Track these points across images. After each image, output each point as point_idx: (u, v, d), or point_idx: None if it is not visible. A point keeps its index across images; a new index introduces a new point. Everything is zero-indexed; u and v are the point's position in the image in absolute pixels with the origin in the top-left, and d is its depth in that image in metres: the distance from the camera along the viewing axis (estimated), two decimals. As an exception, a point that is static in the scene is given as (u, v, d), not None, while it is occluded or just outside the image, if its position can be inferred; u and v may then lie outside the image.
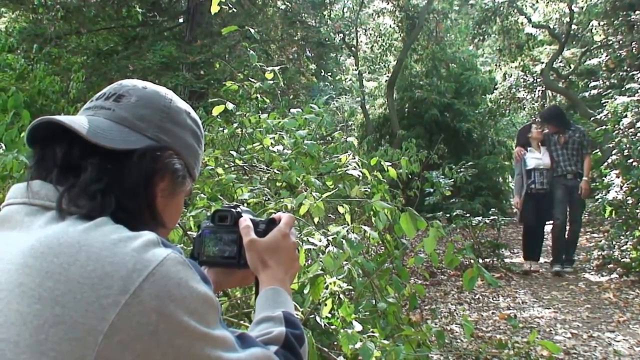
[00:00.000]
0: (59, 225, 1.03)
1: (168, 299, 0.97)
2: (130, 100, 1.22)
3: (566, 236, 9.40)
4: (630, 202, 8.40)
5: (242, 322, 3.05)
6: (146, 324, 0.95)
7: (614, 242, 8.64)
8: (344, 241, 3.10)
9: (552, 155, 9.17)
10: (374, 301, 3.60)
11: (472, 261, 3.34)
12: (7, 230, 1.08)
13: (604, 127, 9.29)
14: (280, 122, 4.81)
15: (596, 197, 9.30)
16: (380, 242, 4.19)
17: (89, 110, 1.22)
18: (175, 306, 0.97)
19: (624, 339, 5.82)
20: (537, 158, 9.20)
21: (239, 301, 3.34)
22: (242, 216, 1.47)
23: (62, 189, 1.07)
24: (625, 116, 8.88)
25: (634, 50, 13.27)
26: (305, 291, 2.98)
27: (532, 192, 9.20)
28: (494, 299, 8.04)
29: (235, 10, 12.87)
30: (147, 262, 0.98)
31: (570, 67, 20.20)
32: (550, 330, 6.33)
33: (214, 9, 4.47)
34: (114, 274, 0.96)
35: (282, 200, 3.60)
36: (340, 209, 4.03)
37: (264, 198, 3.82)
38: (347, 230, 3.23)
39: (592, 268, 9.17)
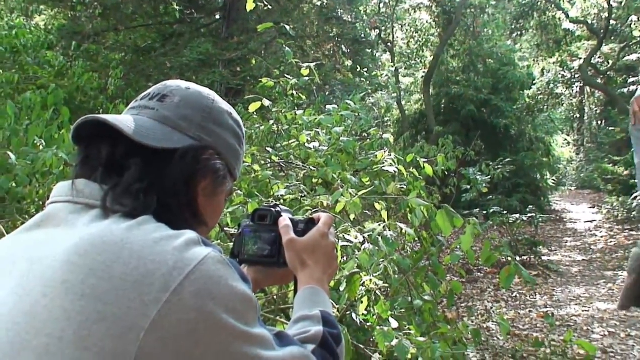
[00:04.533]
0: (102, 223, 1.05)
1: (208, 297, 0.98)
2: (174, 100, 1.24)
3: None
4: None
5: (278, 318, 3.06)
6: (186, 321, 0.96)
7: (654, 240, 8.49)
8: (379, 238, 3.09)
9: None
10: (409, 298, 3.59)
11: (509, 259, 3.31)
12: (52, 227, 1.10)
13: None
14: (316, 118, 4.81)
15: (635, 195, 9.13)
16: (417, 240, 4.17)
17: (134, 110, 1.24)
18: (214, 304, 0.98)
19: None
20: None
21: (275, 297, 3.35)
22: (281, 215, 1.49)
23: (106, 188, 1.09)
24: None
25: (673, 46, 13.04)
26: (342, 288, 2.98)
27: None
28: (531, 297, 7.98)
29: (271, 7, 12.89)
30: (187, 261, 0.99)
31: (609, 63, 20.00)
32: (587, 328, 6.26)
33: (250, 6, 4.49)
34: (156, 271, 0.97)
35: (318, 197, 3.60)
36: (377, 206, 4.02)
37: (300, 195, 3.83)
38: (383, 228, 3.22)
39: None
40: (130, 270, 0.97)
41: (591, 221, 16.15)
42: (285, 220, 1.47)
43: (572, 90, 20.00)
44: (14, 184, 3.84)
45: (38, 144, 4.18)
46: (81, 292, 0.96)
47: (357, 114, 4.97)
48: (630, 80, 14.03)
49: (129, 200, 1.08)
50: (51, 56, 11.41)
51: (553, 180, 19.88)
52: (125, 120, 1.15)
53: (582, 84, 19.52)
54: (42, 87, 8.26)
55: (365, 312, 3.19)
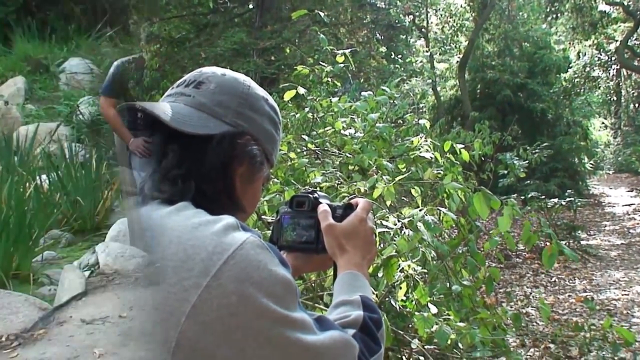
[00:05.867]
0: (142, 209, 1.05)
1: (247, 281, 0.98)
2: (210, 87, 1.24)
3: None
4: None
5: (317, 304, 3.07)
6: (226, 305, 0.96)
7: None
8: (420, 224, 3.07)
9: None
10: (448, 284, 3.57)
11: (548, 243, 3.27)
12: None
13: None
14: (351, 105, 4.79)
15: None
16: (454, 227, 4.14)
17: (170, 97, 1.25)
18: (254, 289, 0.98)
19: None
20: None
21: (313, 284, 3.36)
22: (319, 202, 1.48)
23: (144, 175, 1.10)
24: None
25: None
26: (380, 274, 2.98)
27: None
28: (570, 281, 7.91)
29: (304, -6, 12.89)
30: (227, 245, 0.99)
31: (646, 45, 19.62)
32: (627, 312, 6.21)
33: (284, -7, 4.48)
34: (195, 256, 0.97)
35: (354, 183, 3.60)
36: (413, 192, 4.00)
37: (337, 182, 3.83)
38: (423, 213, 3.21)
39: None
40: (169, 256, 0.97)
41: (630, 205, 15.97)
42: (323, 206, 1.46)
43: (609, 73, 19.73)
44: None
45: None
46: None
47: (392, 100, 4.94)
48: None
49: (167, 186, 1.09)
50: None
51: (591, 164, 19.61)
52: (162, 107, 1.15)
53: (618, 67, 19.26)
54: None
55: (404, 298, 3.18)
